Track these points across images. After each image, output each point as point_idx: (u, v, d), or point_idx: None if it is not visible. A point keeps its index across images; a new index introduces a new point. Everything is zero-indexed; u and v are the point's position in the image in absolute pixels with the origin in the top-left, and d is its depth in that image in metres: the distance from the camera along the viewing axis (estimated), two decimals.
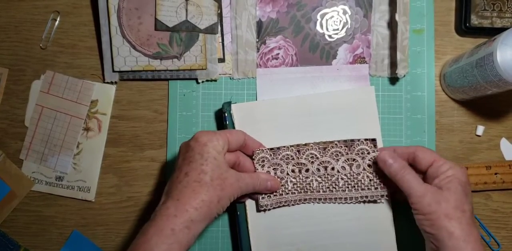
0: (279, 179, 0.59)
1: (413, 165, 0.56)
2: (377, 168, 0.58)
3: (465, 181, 0.52)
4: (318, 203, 0.60)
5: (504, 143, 0.65)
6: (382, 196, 0.58)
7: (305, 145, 0.59)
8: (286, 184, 0.59)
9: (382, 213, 0.60)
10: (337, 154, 0.59)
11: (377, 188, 0.58)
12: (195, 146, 0.52)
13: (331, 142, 0.59)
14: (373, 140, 0.58)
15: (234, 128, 0.61)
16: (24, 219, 0.67)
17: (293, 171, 0.59)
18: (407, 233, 0.63)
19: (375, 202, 0.60)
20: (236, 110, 0.62)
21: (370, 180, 0.59)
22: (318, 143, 0.59)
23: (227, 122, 0.61)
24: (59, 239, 0.67)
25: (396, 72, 0.63)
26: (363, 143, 0.58)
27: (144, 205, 0.66)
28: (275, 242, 0.60)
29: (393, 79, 0.65)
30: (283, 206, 0.59)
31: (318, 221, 0.60)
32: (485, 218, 0.65)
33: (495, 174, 0.64)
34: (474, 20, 0.64)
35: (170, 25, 0.64)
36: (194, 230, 0.48)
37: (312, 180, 0.59)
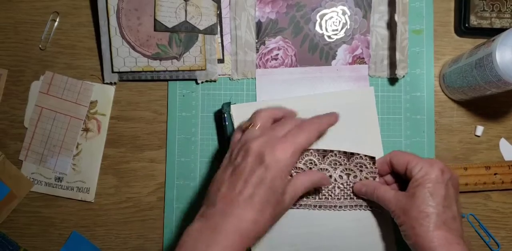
0: None
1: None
2: (374, 180, 0.59)
3: (436, 178, 0.51)
4: (313, 209, 0.60)
5: (503, 143, 0.65)
6: (377, 207, 0.59)
7: (305, 150, 0.59)
8: None
9: (382, 215, 0.60)
10: (336, 163, 0.59)
11: None
12: (270, 166, 0.49)
13: (331, 151, 0.59)
14: (372, 158, 0.58)
15: (233, 128, 0.61)
16: (24, 220, 0.67)
17: (290, 175, 0.59)
18: None
19: (371, 211, 0.60)
20: (236, 111, 0.62)
21: None
22: (318, 150, 0.59)
23: (227, 123, 0.61)
24: (58, 240, 0.67)
25: (396, 72, 0.63)
26: (362, 158, 0.58)
27: (143, 206, 0.66)
28: (275, 242, 0.60)
29: (393, 80, 0.65)
30: None
31: (317, 222, 0.60)
32: (485, 218, 0.65)
33: (495, 174, 0.64)
34: (473, 21, 0.64)
35: (170, 26, 0.64)
36: (250, 244, 0.47)
37: None
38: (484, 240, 0.65)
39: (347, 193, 0.59)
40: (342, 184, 0.59)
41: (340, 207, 0.59)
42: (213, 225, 0.47)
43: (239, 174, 0.49)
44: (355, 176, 0.59)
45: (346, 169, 0.59)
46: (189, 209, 0.65)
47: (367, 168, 0.58)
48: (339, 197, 0.59)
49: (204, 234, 0.46)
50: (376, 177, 0.58)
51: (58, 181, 0.67)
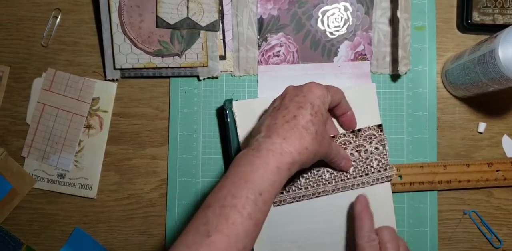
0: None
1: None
2: (383, 149, 0.60)
3: None
4: (331, 194, 0.60)
5: (505, 139, 0.65)
6: (388, 176, 0.60)
7: None
8: (298, 180, 0.59)
9: (384, 212, 0.60)
10: (345, 142, 0.59)
11: (386, 168, 0.60)
12: (308, 94, 0.50)
13: (340, 133, 0.59)
14: (379, 126, 0.60)
15: (235, 125, 0.61)
16: (26, 217, 0.68)
17: None
18: (409, 230, 0.63)
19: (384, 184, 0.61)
20: (238, 108, 0.62)
21: (379, 162, 0.60)
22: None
23: (228, 120, 0.61)
24: (61, 236, 0.67)
25: (398, 69, 0.63)
26: (370, 129, 0.60)
27: (145, 202, 0.67)
28: (277, 238, 0.60)
29: (395, 77, 0.65)
30: (297, 201, 0.60)
31: (319, 218, 0.61)
32: (487, 215, 0.65)
33: (497, 171, 0.64)
34: (476, 17, 0.64)
35: (171, 22, 0.64)
36: (290, 174, 0.47)
37: (323, 172, 0.59)
38: (486, 237, 0.65)
39: (361, 169, 0.60)
40: (354, 161, 0.60)
41: (358, 185, 0.60)
42: (257, 147, 0.47)
43: (280, 106, 0.51)
44: (366, 151, 0.59)
45: (356, 146, 0.59)
46: (191, 205, 0.65)
47: (376, 137, 0.60)
48: (355, 176, 0.60)
49: (250, 154, 0.47)
50: (385, 144, 0.60)
51: (60, 178, 0.67)
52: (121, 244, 0.67)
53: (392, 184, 0.62)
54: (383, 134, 0.60)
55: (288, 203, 0.60)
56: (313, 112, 0.49)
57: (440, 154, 0.65)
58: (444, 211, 0.64)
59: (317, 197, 0.60)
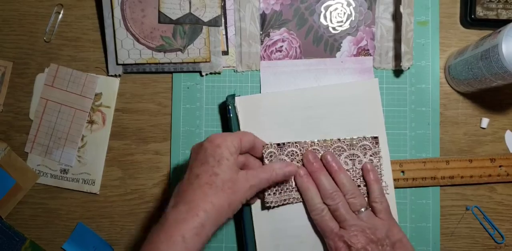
0: None
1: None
2: (377, 163, 0.59)
3: None
4: None
5: (508, 135, 0.65)
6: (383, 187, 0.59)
7: (307, 142, 0.59)
8: (290, 181, 0.59)
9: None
10: (340, 149, 0.59)
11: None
12: (209, 147, 0.51)
13: (335, 139, 0.59)
14: (375, 138, 0.59)
15: (237, 120, 0.61)
16: (30, 212, 0.68)
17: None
18: (412, 225, 0.63)
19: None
20: (240, 103, 0.62)
21: None
22: (320, 141, 0.59)
23: (231, 115, 0.61)
24: (64, 231, 0.68)
25: (401, 64, 0.62)
26: (365, 139, 0.59)
27: (148, 198, 0.67)
28: (280, 234, 0.61)
29: (398, 72, 0.65)
30: (288, 203, 0.59)
31: None
32: (489, 210, 0.65)
33: (500, 166, 0.63)
34: (479, 12, 0.64)
35: (174, 17, 0.64)
36: (204, 237, 0.47)
37: None
38: (489, 232, 0.65)
39: (354, 179, 0.59)
40: (348, 170, 0.59)
41: None
42: (163, 221, 0.48)
43: (187, 169, 0.52)
44: (360, 161, 0.59)
45: (350, 154, 0.59)
46: None
47: (370, 149, 0.59)
48: None
49: (157, 228, 0.48)
50: (380, 157, 0.59)
51: (63, 173, 0.67)
52: (123, 239, 0.67)
53: (394, 180, 0.62)
54: (378, 146, 0.59)
55: (279, 205, 0.59)
56: (215, 162, 0.50)
57: (442, 149, 0.65)
58: (447, 207, 0.64)
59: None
